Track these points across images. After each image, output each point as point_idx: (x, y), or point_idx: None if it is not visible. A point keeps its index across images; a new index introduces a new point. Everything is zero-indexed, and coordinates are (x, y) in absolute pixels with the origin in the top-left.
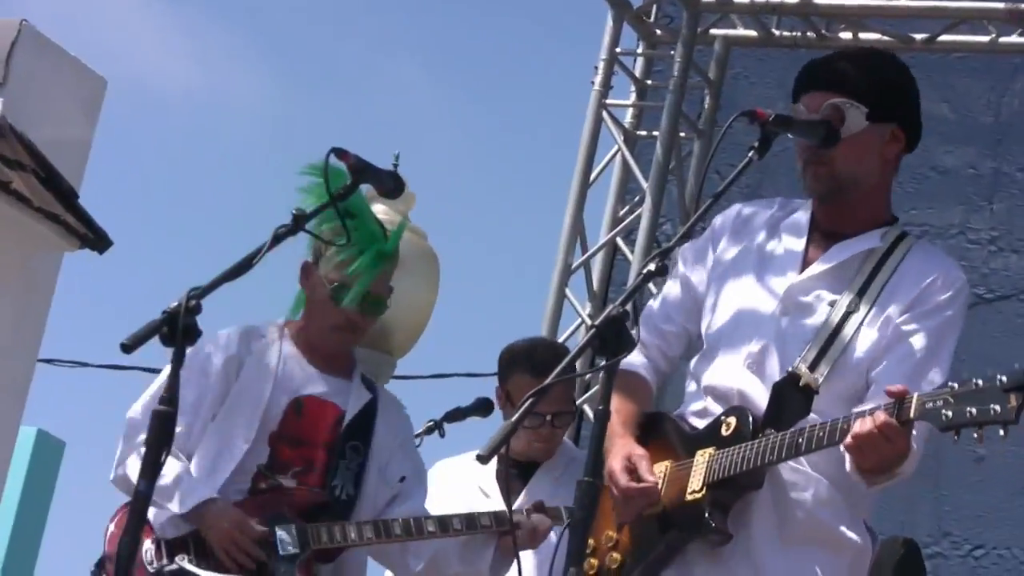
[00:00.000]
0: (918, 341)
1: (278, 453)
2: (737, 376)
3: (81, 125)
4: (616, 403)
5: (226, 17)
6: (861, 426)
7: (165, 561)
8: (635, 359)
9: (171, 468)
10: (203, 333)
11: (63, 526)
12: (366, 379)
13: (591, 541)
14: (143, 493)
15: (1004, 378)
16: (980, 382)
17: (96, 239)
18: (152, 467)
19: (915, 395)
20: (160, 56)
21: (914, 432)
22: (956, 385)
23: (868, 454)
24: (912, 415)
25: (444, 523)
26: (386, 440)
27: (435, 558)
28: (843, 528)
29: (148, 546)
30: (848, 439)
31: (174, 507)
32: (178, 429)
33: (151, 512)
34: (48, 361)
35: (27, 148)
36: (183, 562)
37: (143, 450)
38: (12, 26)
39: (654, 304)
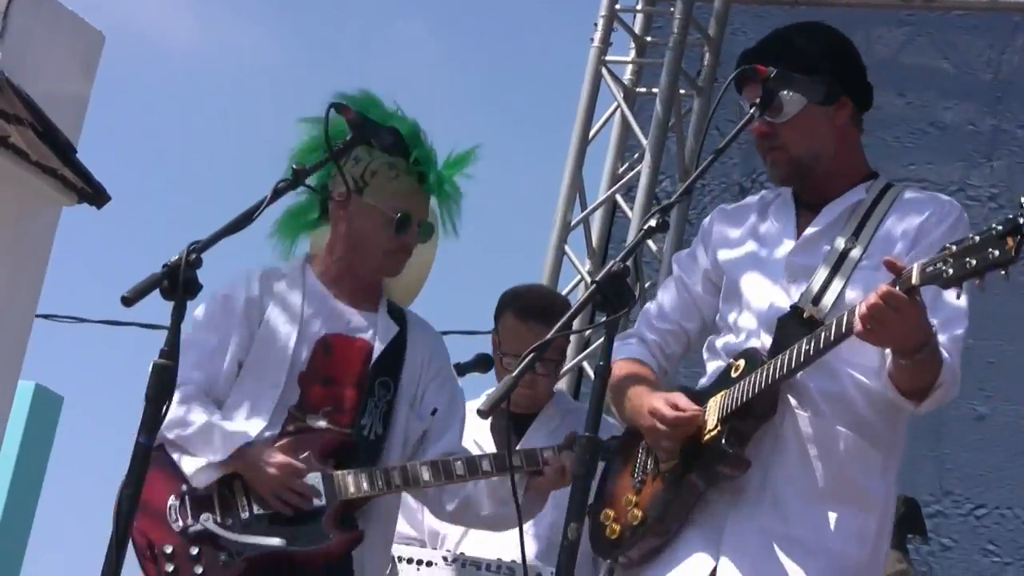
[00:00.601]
0: None
1: (308, 394)
2: (755, 338)
3: (79, 79)
4: (632, 378)
5: None
6: (865, 303)
7: (190, 520)
8: (638, 350)
9: (199, 415)
10: (203, 287)
11: (61, 480)
12: (393, 308)
13: (610, 511)
14: (144, 446)
15: (998, 226)
16: (976, 237)
17: (94, 194)
18: (152, 422)
19: (915, 264)
20: (162, 10)
21: (944, 341)
22: (953, 246)
23: (881, 332)
24: (915, 281)
25: (473, 465)
26: (416, 372)
27: (467, 499)
28: (873, 483)
29: (172, 502)
30: (856, 322)
31: (213, 454)
32: (200, 375)
33: (183, 462)
34: (46, 316)
35: (25, 102)
36: (208, 523)
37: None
38: None
39: (651, 307)
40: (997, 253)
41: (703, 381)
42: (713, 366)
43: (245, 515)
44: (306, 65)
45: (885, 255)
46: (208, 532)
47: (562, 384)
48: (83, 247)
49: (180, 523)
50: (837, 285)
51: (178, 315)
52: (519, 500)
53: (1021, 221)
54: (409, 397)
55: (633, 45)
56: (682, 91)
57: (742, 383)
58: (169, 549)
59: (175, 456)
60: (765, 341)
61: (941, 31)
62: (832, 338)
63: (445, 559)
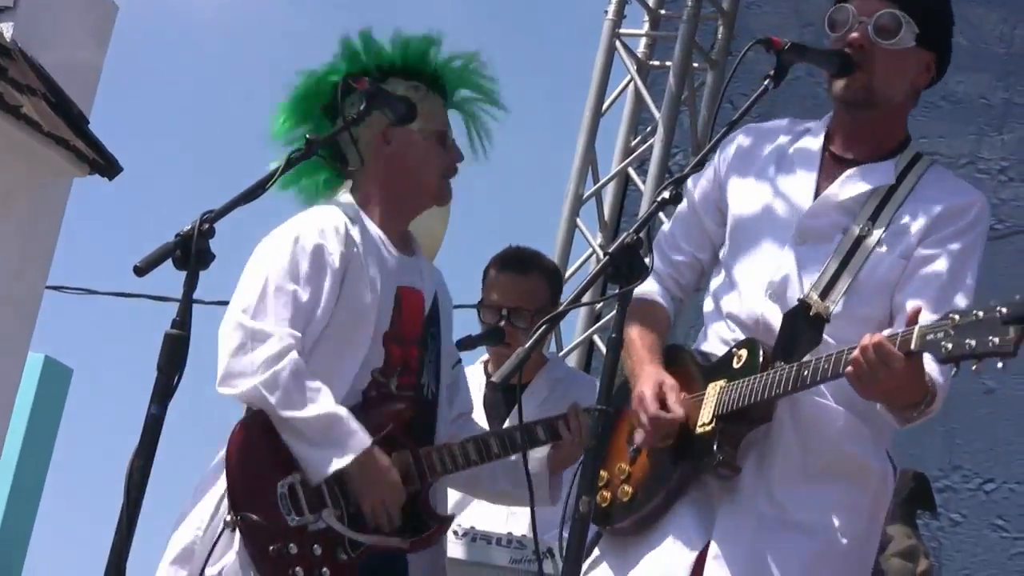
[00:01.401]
0: (941, 266)
1: (390, 354)
2: (758, 304)
3: (91, 50)
4: (637, 330)
5: None
6: (859, 349)
7: (308, 516)
8: (650, 287)
9: (320, 400)
10: (216, 257)
11: (70, 452)
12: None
13: (604, 473)
14: (155, 416)
15: (1004, 309)
16: (980, 313)
17: (106, 165)
18: (163, 392)
19: (916, 326)
20: None
21: (935, 366)
22: (957, 316)
23: (868, 383)
24: (914, 346)
25: (533, 434)
26: (446, 316)
27: (477, 475)
28: (866, 458)
29: (282, 490)
30: (847, 368)
31: (337, 452)
32: (298, 336)
33: (303, 450)
34: (56, 288)
35: (37, 72)
36: (330, 519)
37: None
38: None
39: (665, 231)
40: (997, 342)
41: (702, 342)
42: (714, 329)
43: (352, 510)
44: (331, 33)
45: (901, 241)
46: (332, 530)
47: (573, 357)
48: (94, 219)
49: (297, 518)
50: (847, 278)
51: (190, 285)
52: (529, 474)
53: None
54: (445, 343)
55: (647, 18)
56: (695, 64)
57: (741, 384)
58: (294, 550)
59: (290, 440)
60: (765, 310)
61: (955, 4)
62: (828, 375)
63: (456, 533)
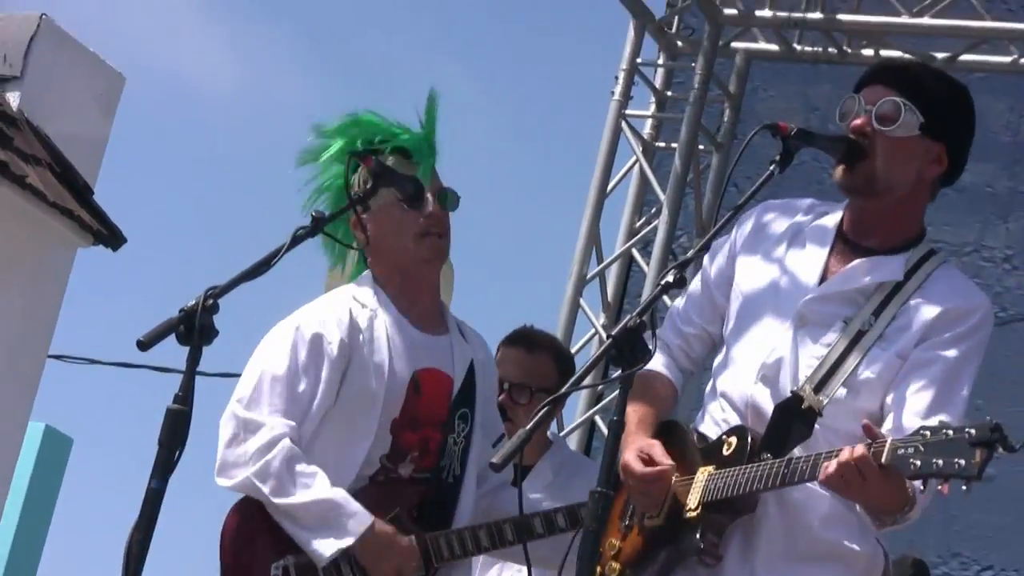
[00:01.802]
0: (938, 370)
1: (400, 440)
2: (749, 387)
3: (98, 120)
4: (635, 405)
5: (268, 15)
6: (834, 462)
7: None
8: (657, 359)
9: (314, 487)
10: (219, 332)
11: (69, 522)
12: (456, 323)
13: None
14: (156, 491)
15: (972, 431)
16: (950, 432)
17: (110, 235)
18: (164, 466)
19: (888, 439)
20: (200, 55)
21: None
22: (928, 432)
23: (842, 491)
24: (884, 460)
25: (551, 522)
26: (486, 393)
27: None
28: (851, 543)
29: (275, 572)
30: (821, 475)
31: (338, 535)
32: (292, 426)
33: (302, 536)
34: (58, 357)
35: (43, 142)
36: None
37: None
38: (32, 20)
39: (679, 304)
40: (963, 463)
41: (699, 422)
42: (710, 408)
43: None
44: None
45: (901, 339)
46: None
47: (574, 438)
48: (98, 289)
49: None
50: (842, 374)
51: (193, 360)
52: (530, 563)
53: (992, 436)
54: (482, 423)
55: (653, 99)
56: (701, 147)
57: (727, 475)
58: None
59: (289, 528)
60: (755, 392)
61: None
62: (807, 477)
63: None
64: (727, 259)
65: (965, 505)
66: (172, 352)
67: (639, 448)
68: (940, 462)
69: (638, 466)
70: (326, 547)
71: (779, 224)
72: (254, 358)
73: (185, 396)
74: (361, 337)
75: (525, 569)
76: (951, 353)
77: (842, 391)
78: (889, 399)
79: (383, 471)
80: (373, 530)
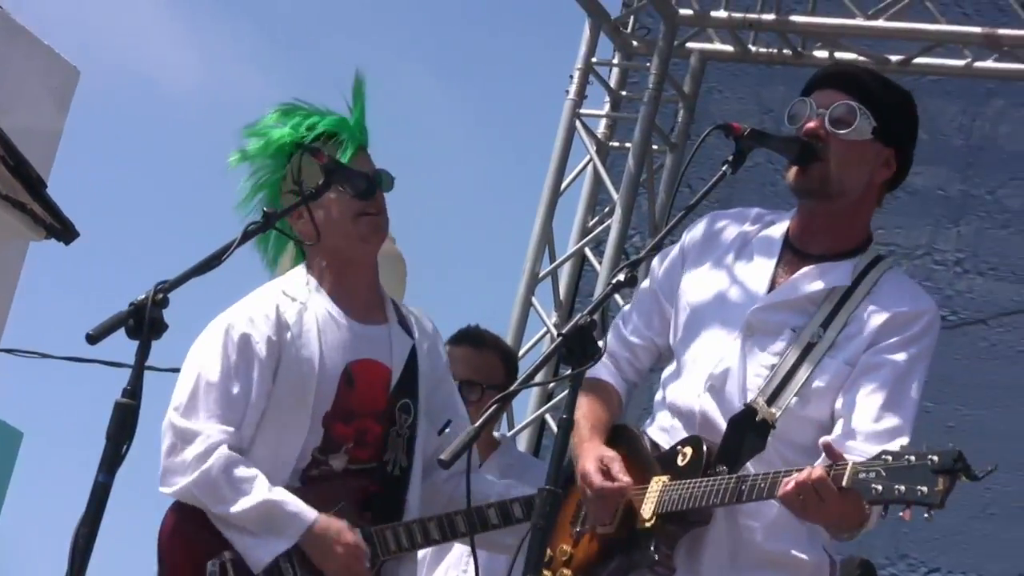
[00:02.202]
0: (886, 372)
1: (332, 432)
2: (696, 397)
3: (52, 114)
4: (584, 409)
5: (230, 13)
6: (792, 483)
7: None
8: (604, 369)
9: (252, 491)
10: (168, 327)
11: (17, 516)
12: (399, 312)
13: (548, 551)
14: (102, 485)
15: (935, 458)
16: (912, 458)
17: (63, 229)
18: (112, 460)
19: (849, 463)
20: (162, 50)
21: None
22: (890, 457)
23: (800, 512)
24: (845, 483)
25: (506, 513)
26: (430, 381)
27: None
28: (797, 552)
29: (212, 568)
30: (779, 492)
31: (279, 538)
32: (229, 431)
33: (240, 542)
34: (9, 351)
35: None
36: None
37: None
38: None
39: (624, 315)
40: (925, 491)
41: (649, 422)
42: (658, 417)
43: None
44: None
45: (849, 347)
46: None
47: (524, 436)
48: (50, 283)
49: None
50: (794, 386)
51: (143, 355)
52: (476, 555)
53: (955, 466)
54: (426, 412)
55: (608, 99)
56: (655, 147)
57: (683, 487)
58: None
59: (229, 535)
60: (702, 403)
61: (915, 96)
62: (764, 495)
63: None
64: (675, 268)
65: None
66: (125, 346)
67: (598, 458)
68: (902, 488)
69: (597, 479)
70: (265, 553)
71: (727, 234)
72: (188, 362)
73: (134, 390)
74: (289, 333)
75: (471, 571)
76: (900, 357)
77: (794, 401)
78: (839, 404)
79: (315, 464)
80: (313, 530)
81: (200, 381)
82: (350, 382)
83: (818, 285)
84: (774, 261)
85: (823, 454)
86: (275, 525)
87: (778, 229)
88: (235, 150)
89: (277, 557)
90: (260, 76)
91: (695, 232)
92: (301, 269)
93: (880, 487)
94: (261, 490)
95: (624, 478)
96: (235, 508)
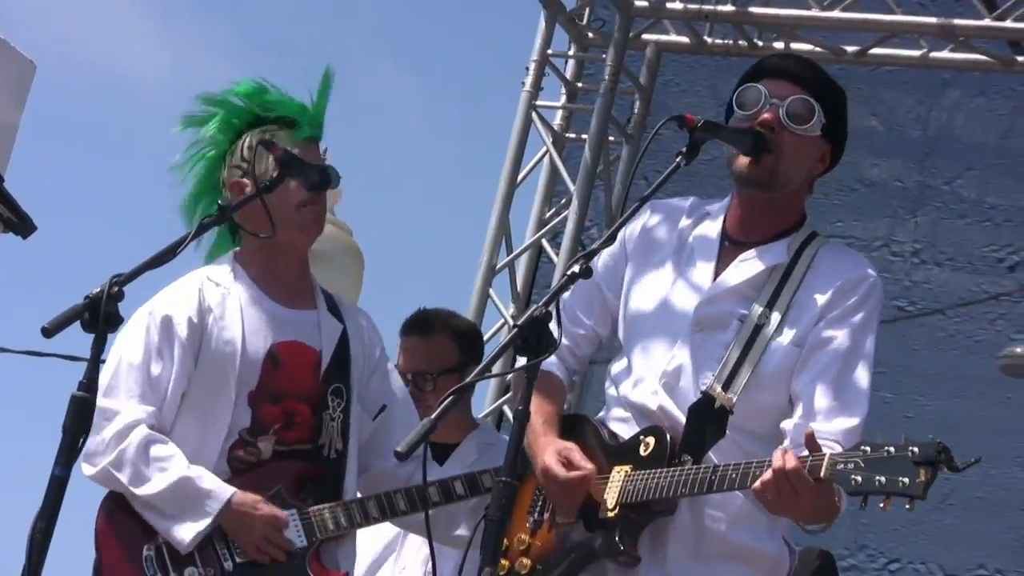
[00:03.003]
0: (837, 345)
1: (259, 413)
2: (651, 395)
3: (8, 108)
4: (535, 404)
5: (200, 7)
6: (771, 470)
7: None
8: (549, 358)
9: (168, 469)
10: (124, 320)
11: None
12: (329, 300)
13: (504, 541)
14: (59, 478)
15: (916, 449)
16: (892, 449)
17: (20, 223)
18: (68, 454)
19: (827, 454)
20: (130, 45)
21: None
22: (868, 449)
23: (775, 504)
24: (823, 474)
25: (447, 490)
26: (361, 366)
27: (435, 519)
28: (758, 543)
29: (147, 552)
30: (756, 484)
31: (196, 516)
32: (149, 411)
33: (162, 526)
34: None
35: None
36: None
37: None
38: None
39: (566, 305)
40: (907, 482)
41: (605, 414)
42: (616, 410)
43: (228, 565)
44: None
45: (797, 327)
46: None
47: None
48: (7, 277)
49: None
50: (747, 369)
51: (98, 348)
52: (431, 532)
53: (938, 457)
54: (359, 397)
55: (564, 90)
56: (611, 138)
57: (647, 477)
58: None
59: (149, 518)
60: (658, 400)
61: (870, 86)
62: (736, 486)
63: None
64: (617, 261)
65: (877, 497)
66: (84, 340)
67: (557, 451)
68: (882, 479)
69: (560, 470)
70: (185, 532)
71: (665, 230)
72: (113, 347)
73: (89, 383)
74: (212, 315)
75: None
76: (847, 328)
77: (749, 385)
78: (795, 385)
79: (242, 445)
80: (231, 505)
81: (122, 363)
82: (276, 363)
83: (757, 267)
84: (714, 254)
85: (787, 440)
86: (192, 503)
87: (713, 225)
88: (185, 116)
89: (209, 538)
90: (232, 71)
91: (633, 226)
92: (228, 256)
93: (860, 478)
94: (178, 468)
95: (587, 465)
96: (151, 488)
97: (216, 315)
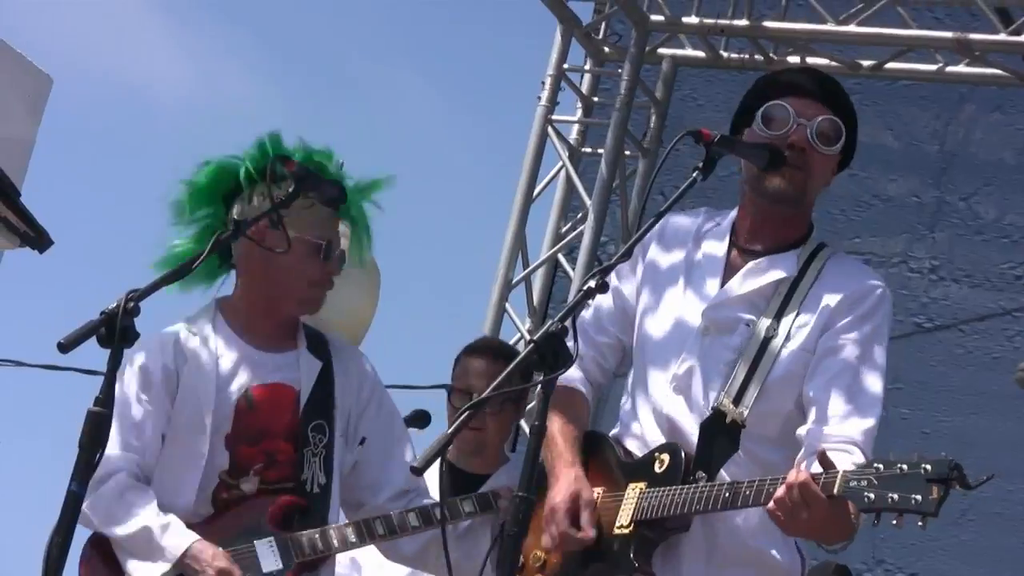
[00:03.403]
0: (848, 353)
1: (237, 455)
2: (665, 400)
3: (25, 122)
4: (559, 423)
5: (226, 21)
6: (784, 487)
7: None
8: (572, 373)
9: (137, 516)
10: (141, 335)
11: None
12: (313, 339)
13: (520, 557)
14: (75, 494)
15: (928, 467)
16: (904, 467)
17: (37, 237)
18: (85, 469)
19: (840, 471)
20: (150, 57)
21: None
22: (881, 466)
23: (789, 522)
24: (835, 491)
25: (426, 515)
26: (349, 405)
27: (430, 544)
28: (772, 551)
29: None
30: (770, 504)
31: (156, 560)
32: (130, 457)
33: (129, 565)
34: None
35: None
36: None
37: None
38: None
39: (587, 316)
40: (919, 499)
41: (620, 431)
42: (632, 424)
43: None
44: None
45: (805, 333)
46: None
47: None
48: (24, 291)
49: None
50: (757, 383)
51: (114, 363)
52: (448, 553)
53: (951, 474)
54: (343, 433)
55: (580, 105)
56: (627, 152)
57: (662, 494)
58: None
59: (120, 556)
60: (671, 404)
61: (887, 101)
62: (750, 503)
63: None
64: (632, 270)
65: (890, 513)
66: (101, 355)
67: (572, 496)
68: (895, 496)
69: (563, 523)
70: (145, 573)
71: (678, 238)
72: None
73: (106, 399)
74: (187, 363)
75: None
76: (857, 335)
77: (759, 397)
78: (807, 392)
79: (225, 488)
80: (188, 554)
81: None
82: (251, 405)
83: (767, 278)
84: (722, 263)
85: (803, 448)
86: (156, 548)
87: (723, 233)
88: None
89: None
90: (255, 83)
91: (647, 240)
92: (209, 306)
93: (872, 495)
94: (148, 515)
95: (590, 532)
96: (122, 530)
97: (192, 362)
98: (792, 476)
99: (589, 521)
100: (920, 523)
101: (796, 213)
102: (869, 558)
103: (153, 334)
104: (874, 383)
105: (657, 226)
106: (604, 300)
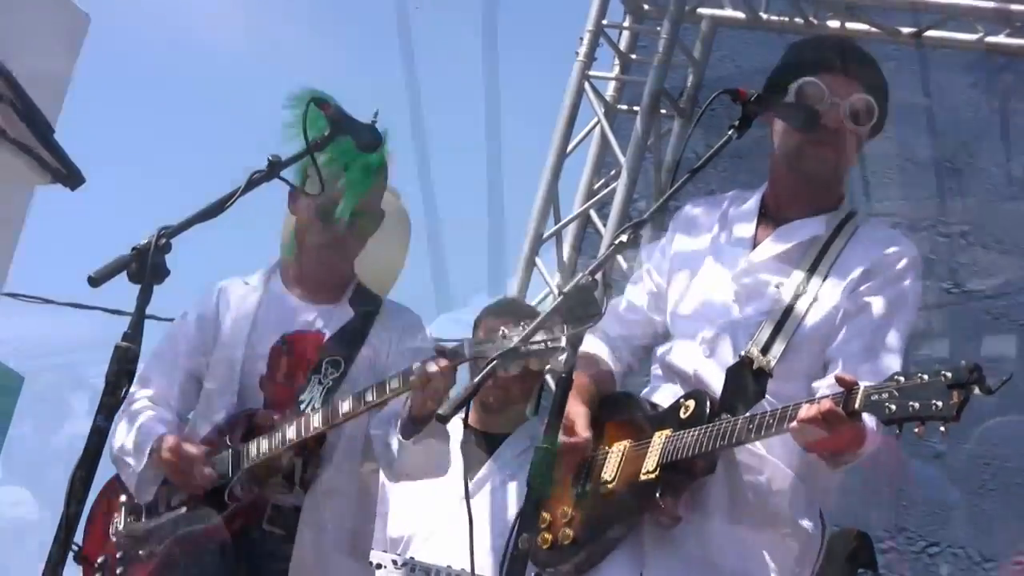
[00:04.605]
0: (873, 311)
1: (272, 394)
2: (695, 359)
3: (61, 59)
4: (579, 379)
5: None
6: (805, 413)
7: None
8: (599, 348)
9: (134, 427)
10: (171, 272)
11: (18, 460)
12: (362, 296)
13: (547, 515)
14: (101, 428)
15: (948, 374)
16: (925, 376)
17: (69, 175)
18: (111, 404)
19: (862, 386)
20: (212, 13)
21: (869, 417)
22: (902, 378)
23: (811, 441)
24: (857, 406)
25: (381, 388)
26: (382, 352)
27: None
28: (795, 515)
29: (116, 517)
30: (792, 424)
31: (138, 462)
32: (149, 391)
33: (131, 480)
34: (12, 295)
35: (6, 79)
36: (119, 523)
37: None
38: None
39: (619, 299)
40: (940, 405)
41: (649, 392)
42: (662, 387)
43: (162, 509)
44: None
45: (835, 293)
46: (123, 532)
47: None
48: (55, 227)
49: (112, 530)
50: (784, 336)
51: (144, 298)
52: (471, 513)
53: (970, 377)
54: (366, 377)
55: (617, 61)
56: (663, 111)
57: (687, 435)
58: (101, 559)
59: (119, 470)
60: (701, 364)
61: (923, 67)
62: (773, 430)
63: (395, 562)
64: (663, 248)
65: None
66: (128, 294)
67: (567, 416)
68: (916, 405)
69: (561, 435)
70: (135, 479)
71: (708, 215)
72: None
73: (134, 334)
74: (229, 311)
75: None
76: (882, 298)
77: (787, 350)
78: (829, 350)
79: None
80: (160, 445)
81: (151, 356)
82: (288, 351)
83: (796, 237)
84: (753, 227)
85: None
86: (137, 449)
87: (753, 202)
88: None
89: (160, 489)
90: (306, 34)
91: (677, 217)
92: (275, 260)
93: (893, 406)
94: (135, 424)
95: (583, 433)
96: (125, 445)
97: (234, 309)
98: (813, 408)
99: (583, 427)
100: (942, 428)
101: (826, 183)
102: (891, 526)
103: (208, 284)
104: (896, 343)
105: (683, 214)
106: (635, 282)
